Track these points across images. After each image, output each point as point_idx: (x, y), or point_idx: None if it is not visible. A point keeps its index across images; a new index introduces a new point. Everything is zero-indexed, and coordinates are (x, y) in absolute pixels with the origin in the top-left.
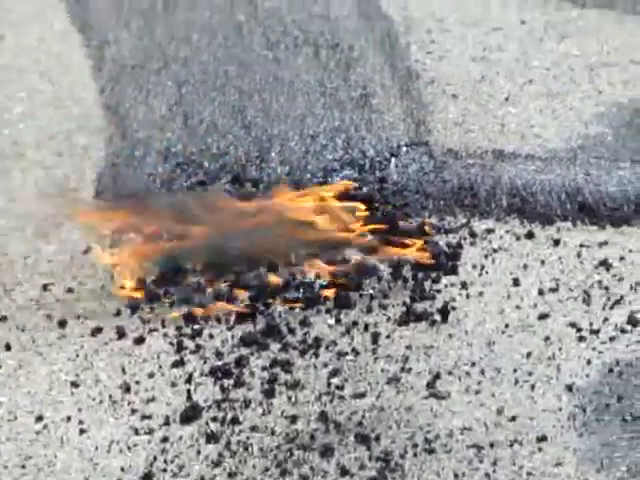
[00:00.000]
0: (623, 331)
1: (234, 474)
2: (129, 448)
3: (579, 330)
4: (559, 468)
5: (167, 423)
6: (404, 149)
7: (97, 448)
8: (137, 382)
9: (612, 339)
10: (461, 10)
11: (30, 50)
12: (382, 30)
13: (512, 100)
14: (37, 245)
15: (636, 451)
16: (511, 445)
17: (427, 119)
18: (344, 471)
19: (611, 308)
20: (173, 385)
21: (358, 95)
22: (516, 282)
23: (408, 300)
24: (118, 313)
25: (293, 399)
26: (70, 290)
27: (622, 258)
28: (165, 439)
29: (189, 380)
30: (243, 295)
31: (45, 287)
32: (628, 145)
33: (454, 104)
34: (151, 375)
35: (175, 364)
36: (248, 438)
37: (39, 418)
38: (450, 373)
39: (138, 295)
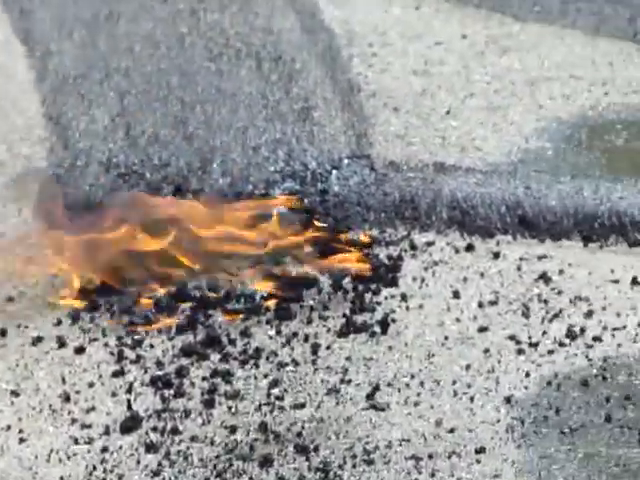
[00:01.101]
0: (562, 344)
1: None
2: (69, 457)
3: (518, 343)
4: None
5: (107, 433)
6: (345, 162)
7: (37, 457)
8: (77, 392)
9: (551, 352)
10: (403, 24)
11: None
12: (324, 43)
13: (453, 113)
14: None
15: (573, 463)
16: (449, 457)
17: (368, 132)
18: None
19: (550, 321)
20: (113, 395)
21: (300, 107)
22: (456, 295)
23: (348, 312)
24: (59, 322)
25: (233, 409)
26: (11, 299)
27: (561, 271)
28: (105, 449)
29: (129, 390)
30: (184, 306)
31: None
32: (568, 159)
33: (395, 117)
34: (91, 385)
35: (115, 374)
36: (188, 448)
37: None
38: (389, 385)
39: (79, 304)
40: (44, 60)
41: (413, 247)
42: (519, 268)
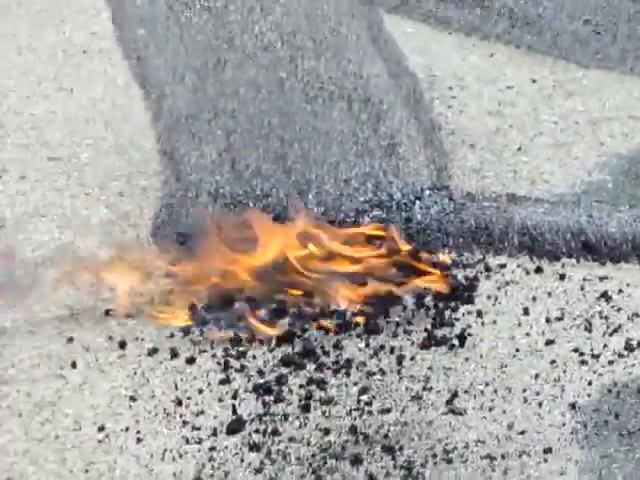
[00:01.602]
0: (620, 356)
1: None
2: (180, 456)
3: (582, 355)
4: (563, 477)
5: (215, 434)
6: (427, 192)
7: (152, 455)
8: (188, 397)
9: (611, 363)
10: (478, 70)
11: (95, 102)
12: (408, 87)
13: (523, 150)
14: (101, 275)
15: (631, 463)
16: (520, 456)
17: (448, 166)
18: (372, 478)
19: (610, 335)
20: (220, 400)
21: (386, 144)
22: (526, 311)
23: (429, 327)
24: (172, 335)
25: (327, 413)
26: (129, 315)
27: (620, 291)
28: (213, 448)
29: (234, 396)
30: (283, 321)
31: (107, 312)
32: (627, 191)
33: (472, 153)
34: (200, 391)
35: (222, 381)
36: (286, 448)
37: (101, 428)
38: (466, 392)
39: (189, 320)
40: (159, 102)
41: (487, 269)
42: (582, 288)
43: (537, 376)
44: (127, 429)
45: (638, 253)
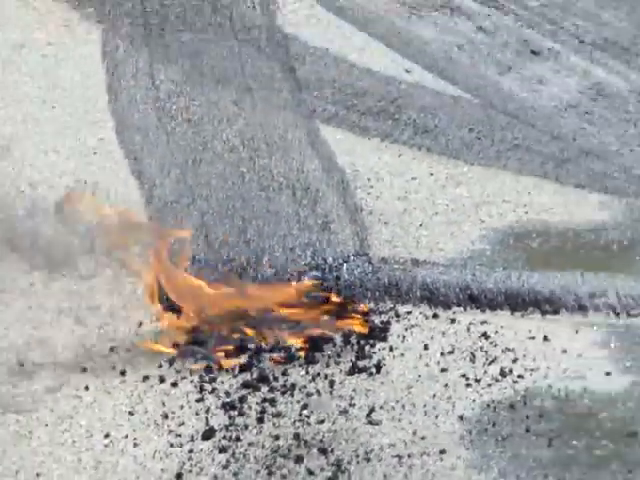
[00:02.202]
0: (497, 380)
1: (237, 474)
2: (167, 456)
3: (467, 379)
4: (453, 472)
5: (192, 440)
6: (352, 258)
7: (145, 455)
8: (172, 412)
9: (489, 385)
10: (390, 166)
11: (103, 190)
12: (338, 178)
13: (424, 226)
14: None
15: (504, 460)
16: (421, 456)
17: (367, 238)
18: (310, 473)
19: (489, 365)
20: (197, 414)
21: (321, 222)
22: (426, 347)
23: (354, 358)
24: (160, 365)
25: (276, 424)
26: (128, 350)
27: (496, 332)
28: (191, 450)
29: (207, 411)
30: (244, 354)
31: (112, 349)
32: (501, 256)
33: (385, 228)
34: (182, 407)
35: (198, 400)
36: (246, 450)
37: (107, 435)
38: (381, 407)
39: (173, 352)
40: (150, 190)
41: (397, 315)
42: (468, 329)
43: (434, 395)
44: (127, 436)
45: (509, 303)
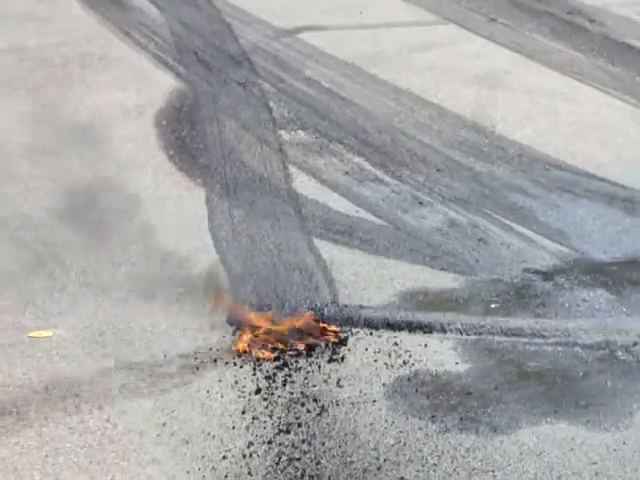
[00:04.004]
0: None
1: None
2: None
3: (390, 358)
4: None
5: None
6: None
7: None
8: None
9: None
10: None
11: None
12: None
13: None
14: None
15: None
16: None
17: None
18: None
19: (399, 358)
20: (253, 374)
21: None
22: (367, 349)
23: (330, 354)
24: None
25: (292, 386)
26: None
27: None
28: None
29: (257, 375)
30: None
31: (215, 360)
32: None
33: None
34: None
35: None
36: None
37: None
38: (344, 378)
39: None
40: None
41: (352, 333)
42: (388, 340)
43: (372, 364)
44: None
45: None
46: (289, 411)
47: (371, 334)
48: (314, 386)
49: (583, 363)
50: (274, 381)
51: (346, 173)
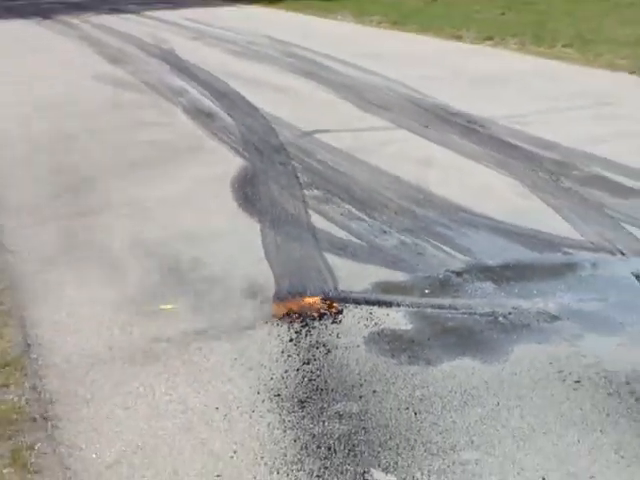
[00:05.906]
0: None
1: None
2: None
3: (366, 321)
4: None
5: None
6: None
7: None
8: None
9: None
10: None
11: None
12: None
13: None
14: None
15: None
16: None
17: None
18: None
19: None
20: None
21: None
22: (359, 322)
23: (333, 318)
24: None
25: (312, 337)
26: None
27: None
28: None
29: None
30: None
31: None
32: None
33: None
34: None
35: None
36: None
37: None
38: (343, 333)
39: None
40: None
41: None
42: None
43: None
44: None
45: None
46: (309, 351)
47: (356, 307)
48: (323, 337)
49: (479, 324)
50: (300, 334)
51: (341, 214)
